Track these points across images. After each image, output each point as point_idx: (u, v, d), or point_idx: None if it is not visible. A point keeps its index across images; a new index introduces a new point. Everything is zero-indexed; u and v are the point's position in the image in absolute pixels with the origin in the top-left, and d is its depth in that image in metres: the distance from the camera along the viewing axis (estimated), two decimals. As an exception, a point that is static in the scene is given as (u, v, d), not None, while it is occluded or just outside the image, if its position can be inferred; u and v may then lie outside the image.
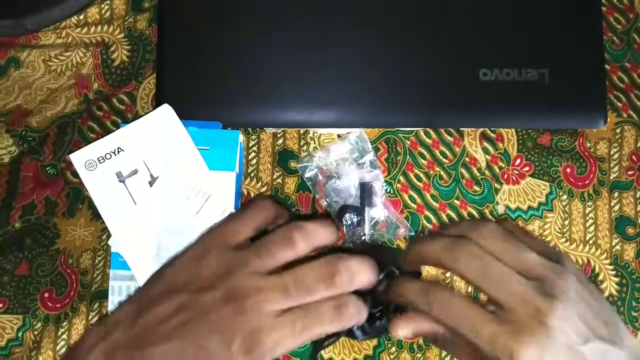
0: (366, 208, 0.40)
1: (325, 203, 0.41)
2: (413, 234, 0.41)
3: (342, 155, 0.41)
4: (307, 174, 0.41)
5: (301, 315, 0.28)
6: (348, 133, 0.41)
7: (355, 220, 0.40)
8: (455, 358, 0.31)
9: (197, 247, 0.31)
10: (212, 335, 0.27)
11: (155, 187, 0.38)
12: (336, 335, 0.34)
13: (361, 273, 0.29)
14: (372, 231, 0.40)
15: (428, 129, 0.42)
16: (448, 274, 0.41)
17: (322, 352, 0.40)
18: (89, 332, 0.30)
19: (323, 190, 0.41)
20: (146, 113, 0.39)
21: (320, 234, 0.30)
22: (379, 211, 0.41)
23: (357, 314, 0.29)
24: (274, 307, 0.27)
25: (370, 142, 0.41)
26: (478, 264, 0.28)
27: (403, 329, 0.31)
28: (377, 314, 0.34)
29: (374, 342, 0.40)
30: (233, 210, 0.38)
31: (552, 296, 0.27)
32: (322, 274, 0.28)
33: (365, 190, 0.40)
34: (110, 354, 0.28)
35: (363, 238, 0.40)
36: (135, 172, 0.38)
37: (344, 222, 0.40)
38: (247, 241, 0.32)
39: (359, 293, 0.30)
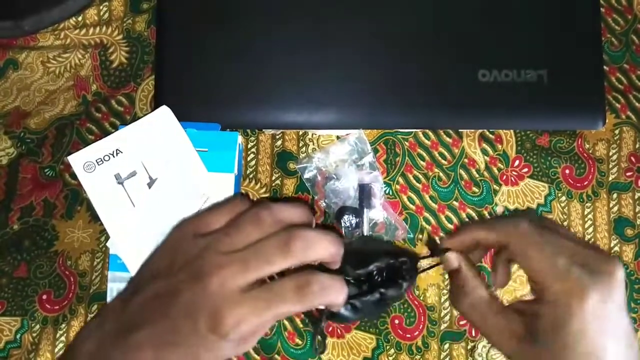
0: (365, 209, 0.40)
1: (324, 204, 0.41)
2: (412, 235, 0.41)
3: (342, 157, 0.41)
4: (306, 175, 0.41)
5: (264, 292, 0.28)
6: (347, 134, 0.41)
7: (353, 221, 0.40)
8: (484, 331, 0.32)
9: (174, 234, 0.32)
10: (182, 315, 0.28)
11: (153, 189, 0.38)
12: (323, 318, 0.33)
13: (319, 243, 0.29)
14: (370, 232, 0.40)
15: (427, 130, 0.42)
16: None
17: (322, 354, 0.40)
18: (86, 324, 0.31)
19: (322, 192, 0.41)
20: (145, 115, 0.39)
21: (288, 211, 0.30)
22: (377, 213, 0.41)
23: (321, 292, 0.28)
24: (237, 282, 0.28)
25: (369, 143, 0.41)
26: (549, 250, 0.30)
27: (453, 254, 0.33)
28: (366, 289, 0.34)
29: (373, 343, 0.40)
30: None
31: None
32: (279, 242, 0.28)
33: (364, 191, 0.40)
34: (101, 343, 0.29)
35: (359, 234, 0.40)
36: (133, 173, 0.38)
37: (343, 224, 0.40)
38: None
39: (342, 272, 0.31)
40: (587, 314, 0.28)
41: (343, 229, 0.40)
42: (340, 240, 0.30)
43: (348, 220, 0.40)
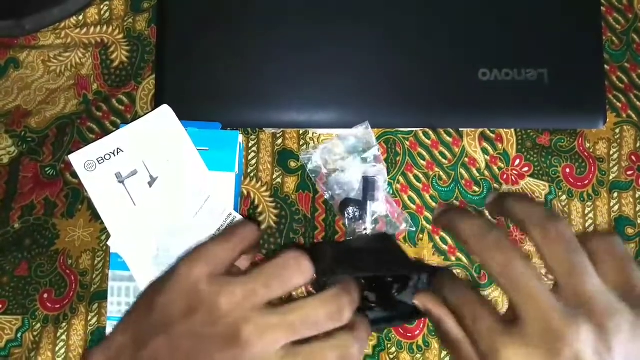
0: (368, 202, 0.40)
1: (327, 195, 0.41)
2: (414, 229, 0.41)
3: (347, 149, 0.41)
4: (310, 166, 0.41)
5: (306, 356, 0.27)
6: (346, 135, 0.41)
7: (357, 214, 0.40)
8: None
9: (184, 273, 0.29)
10: None
11: (154, 187, 0.38)
12: None
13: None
14: (373, 225, 0.40)
15: (427, 130, 0.42)
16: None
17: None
18: (92, 355, 0.29)
19: (325, 183, 0.41)
20: (145, 114, 0.39)
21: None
22: (381, 206, 0.41)
23: (360, 351, 0.28)
24: (280, 344, 0.26)
25: (370, 142, 0.41)
26: (502, 258, 0.25)
27: (423, 300, 0.30)
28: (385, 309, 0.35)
29: (374, 341, 0.40)
30: (232, 211, 0.38)
31: (582, 325, 0.23)
32: (330, 309, 0.27)
33: (369, 184, 0.40)
34: None
35: (364, 232, 0.40)
36: (134, 172, 0.38)
37: (346, 216, 0.40)
38: (236, 267, 0.31)
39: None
40: None
41: (346, 220, 0.40)
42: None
43: (352, 212, 0.40)
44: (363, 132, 0.40)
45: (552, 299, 0.24)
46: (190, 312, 0.27)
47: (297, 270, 0.28)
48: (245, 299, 0.27)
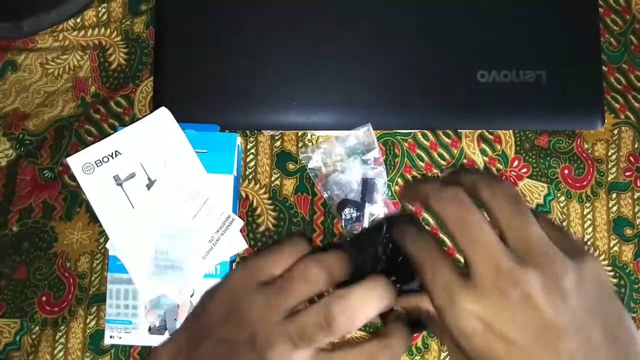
0: (366, 204, 0.40)
1: (326, 195, 0.41)
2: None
3: (347, 150, 0.41)
4: (311, 165, 0.41)
5: None
6: (347, 135, 0.41)
7: (354, 215, 0.40)
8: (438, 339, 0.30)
9: (236, 280, 0.32)
10: None
11: (152, 190, 0.38)
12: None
13: (362, 310, 0.27)
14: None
15: (426, 131, 0.42)
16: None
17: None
18: (158, 352, 0.32)
19: (324, 183, 0.41)
20: (144, 116, 0.39)
21: (334, 262, 0.30)
22: (378, 208, 0.41)
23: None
24: (297, 352, 0.28)
25: (368, 144, 0.41)
26: (458, 209, 0.26)
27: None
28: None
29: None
30: (231, 214, 0.38)
31: (530, 268, 0.24)
32: (319, 320, 0.28)
33: (368, 186, 0.40)
34: None
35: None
36: (132, 175, 0.38)
37: (343, 216, 0.40)
38: (272, 279, 0.32)
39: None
40: (469, 332, 0.24)
41: (343, 221, 0.40)
42: (391, 290, 0.28)
43: (349, 213, 0.40)
44: (365, 134, 0.40)
45: (501, 247, 0.25)
46: (228, 319, 0.30)
47: (305, 281, 0.29)
48: (266, 308, 0.29)
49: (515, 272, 0.24)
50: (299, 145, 0.42)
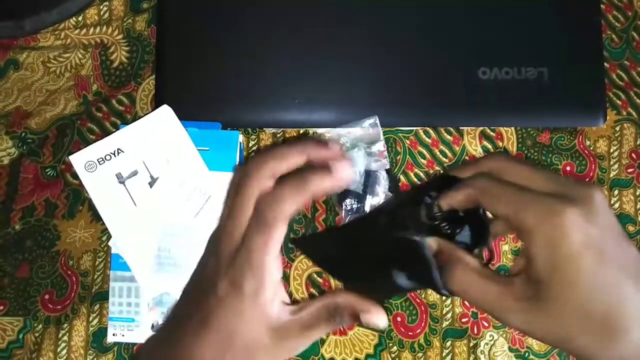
0: (368, 196, 0.40)
1: None
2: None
3: (353, 140, 0.41)
4: None
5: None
6: (349, 132, 0.41)
7: (355, 206, 0.40)
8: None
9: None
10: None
11: (155, 188, 0.38)
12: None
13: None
14: None
15: (427, 128, 0.42)
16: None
17: (324, 351, 0.40)
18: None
19: None
20: (146, 114, 0.39)
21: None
22: (380, 201, 0.41)
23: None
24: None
25: (370, 141, 0.41)
26: (514, 197, 0.27)
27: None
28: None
29: (375, 340, 0.40)
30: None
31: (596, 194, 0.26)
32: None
33: (370, 178, 0.40)
34: None
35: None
36: (135, 173, 0.38)
37: (344, 207, 0.40)
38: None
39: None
40: (573, 239, 0.24)
41: (343, 212, 0.40)
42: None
43: (350, 204, 0.40)
44: (371, 125, 0.40)
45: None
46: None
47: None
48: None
49: (590, 185, 0.26)
50: (301, 142, 0.42)
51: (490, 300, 0.27)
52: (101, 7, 0.43)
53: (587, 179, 0.42)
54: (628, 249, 0.25)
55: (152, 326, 0.38)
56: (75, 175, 0.40)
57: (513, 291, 0.26)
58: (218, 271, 0.29)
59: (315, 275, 0.41)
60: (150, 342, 0.32)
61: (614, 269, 0.24)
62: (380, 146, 0.40)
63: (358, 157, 0.40)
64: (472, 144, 0.42)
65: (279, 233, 0.28)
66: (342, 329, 0.40)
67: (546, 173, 0.28)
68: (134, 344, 0.39)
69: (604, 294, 0.24)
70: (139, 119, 0.39)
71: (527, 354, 0.40)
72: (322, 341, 0.40)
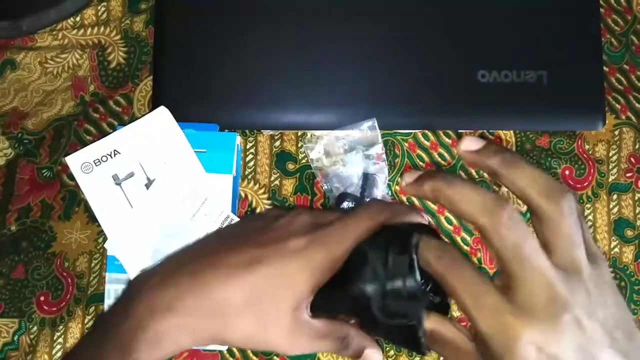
0: (365, 199, 0.40)
1: (325, 187, 0.41)
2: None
3: (351, 143, 0.41)
4: (312, 155, 0.41)
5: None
6: (347, 135, 0.41)
7: (352, 209, 0.40)
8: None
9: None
10: None
11: (151, 189, 0.38)
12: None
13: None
14: None
15: (426, 131, 0.42)
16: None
17: (321, 355, 0.40)
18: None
19: (326, 175, 0.41)
20: (143, 115, 0.39)
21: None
22: None
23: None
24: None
25: (368, 144, 0.41)
26: (517, 235, 0.25)
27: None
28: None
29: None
30: (230, 214, 0.38)
31: (576, 291, 0.24)
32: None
33: (368, 181, 0.40)
34: None
35: None
36: (131, 174, 0.38)
37: (342, 210, 0.40)
38: None
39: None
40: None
41: None
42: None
43: (347, 207, 0.40)
44: (369, 128, 0.39)
45: (555, 271, 0.24)
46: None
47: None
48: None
49: (567, 296, 0.24)
50: (299, 145, 0.42)
51: None
52: (99, 7, 0.43)
53: (585, 183, 0.42)
54: (602, 353, 0.24)
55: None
56: (71, 177, 0.40)
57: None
58: (301, 228, 0.32)
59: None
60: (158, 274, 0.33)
61: None
62: (378, 149, 0.40)
63: (356, 159, 0.40)
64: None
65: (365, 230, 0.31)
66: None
67: (478, 195, 0.26)
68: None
69: None
70: (136, 120, 0.38)
71: None
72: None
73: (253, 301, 0.30)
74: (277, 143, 0.42)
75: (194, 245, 0.36)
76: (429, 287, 0.29)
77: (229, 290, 0.31)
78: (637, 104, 0.43)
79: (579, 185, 0.42)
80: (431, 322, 0.28)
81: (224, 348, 0.38)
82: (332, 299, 0.32)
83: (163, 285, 0.31)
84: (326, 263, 0.31)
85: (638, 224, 0.42)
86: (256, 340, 0.31)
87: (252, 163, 0.42)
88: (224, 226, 0.38)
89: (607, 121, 0.41)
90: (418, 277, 0.28)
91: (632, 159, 0.42)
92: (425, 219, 0.34)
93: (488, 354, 0.25)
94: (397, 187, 0.42)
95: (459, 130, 0.42)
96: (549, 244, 0.25)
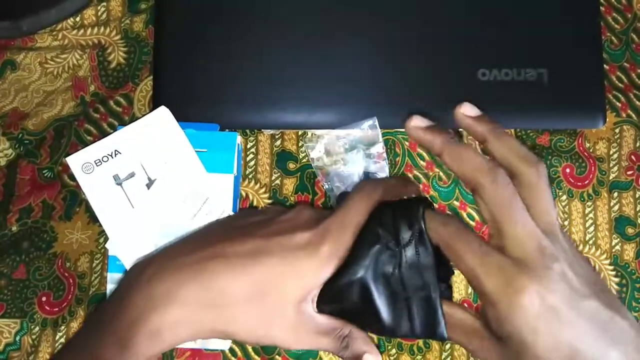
0: None
1: (326, 186, 0.41)
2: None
3: (351, 142, 0.40)
4: (313, 154, 0.41)
5: None
6: (347, 134, 0.41)
7: None
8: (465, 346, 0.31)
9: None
10: None
11: (152, 189, 0.38)
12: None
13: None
14: None
15: (427, 130, 0.42)
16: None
17: (322, 354, 0.40)
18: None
19: (326, 174, 0.41)
20: (143, 115, 0.39)
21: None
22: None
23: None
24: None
25: (369, 143, 0.41)
26: (508, 194, 0.28)
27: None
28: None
29: (374, 343, 0.40)
30: (231, 213, 0.38)
31: (556, 246, 0.28)
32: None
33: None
34: None
35: None
36: (132, 174, 0.38)
37: None
38: None
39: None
40: (531, 311, 0.26)
41: None
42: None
43: None
44: (370, 127, 0.39)
45: (539, 230, 0.28)
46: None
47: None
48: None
49: (552, 250, 0.27)
50: (300, 144, 0.42)
51: (462, 340, 0.30)
52: (99, 7, 0.43)
53: (586, 181, 0.42)
54: (586, 302, 0.26)
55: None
56: (72, 177, 0.40)
57: (477, 330, 0.29)
58: (305, 223, 0.32)
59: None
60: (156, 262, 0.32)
61: (570, 327, 0.26)
62: (379, 148, 0.40)
63: (357, 158, 0.40)
64: (472, 145, 0.42)
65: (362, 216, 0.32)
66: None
67: (479, 157, 0.30)
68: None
69: (561, 350, 0.26)
70: (136, 120, 0.38)
71: None
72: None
73: (257, 292, 0.30)
74: (278, 142, 0.42)
75: (193, 236, 0.36)
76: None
77: (232, 281, 0.30)
78: (637, 102, 0.43)
79: (580, 183, 0.42)
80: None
81: (226, 347, 0.38)
82: (339, 289, 0.32)
83: (162, 275, 0.31)
84: (333, 253, 0.31)
85: (639, 222, 0.42)
86: (258, 333, 0.31)
87: (252, 162, 0.42)
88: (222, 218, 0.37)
89: (607, 119, 0.41)
90: (429, 245, 0.30)
91: (632, 157, 0.42)
92: (420, 188, 0.35)
93: (494, 318, 0.27)
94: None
95: (460, 129, 0.42)
96: (528, 207, 0.29)
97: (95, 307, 0.39)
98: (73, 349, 0.32)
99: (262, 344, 0.31)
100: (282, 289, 0.30)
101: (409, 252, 0.30)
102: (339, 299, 0.32)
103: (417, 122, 0.33)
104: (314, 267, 0.31)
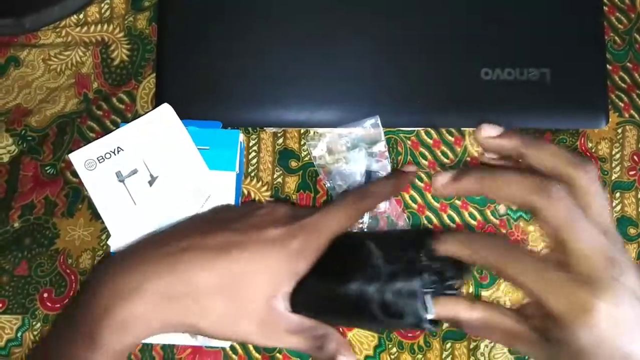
0: None
1: (328, 184, 0.41)
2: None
3: (354, 141, 0.40)
4: (315, 153, 0.41)
5: None
6: (350, 132, 0.41)
7: None
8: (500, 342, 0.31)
9: None
10: None
11: (155, 187, 0.38)
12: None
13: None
14: (370, 220, 0.40)
15: (429, 129, 0.42)
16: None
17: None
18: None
19: (328, 172, 0.41)
20: (146, 112, 0.39)
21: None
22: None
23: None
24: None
25: (372, 141, 0.41)
26: (569, 209, 0.27)
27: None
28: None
29: (375, 342, 0.40)
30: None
31: (621, 251, 0.27)
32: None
33: (371, 179, 0.40)
34: None
35: (360, 226, 0.40)
36: (134, 171, 0.38)
37: None
38: None
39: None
40: (601, 327, 0.26)
41: None
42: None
43: None
44: (372, 125, 0.39)
45: (600, 233, 0.27)
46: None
47: None
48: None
49: (619, 258, 0.26)
50: (302, 142, 0.42)
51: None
52: (102, 4, 0.43)
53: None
54: None
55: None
56: (75, 174, 0.40)
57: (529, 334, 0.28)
58: (280, 219, 0.32)
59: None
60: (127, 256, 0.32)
61: (636, 338, 0.26)
62: (381, 146, 0.40)
63: (359, 157, 0.40)
64: (474, 144, 0.42)
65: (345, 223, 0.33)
66: (341, 330, 0.40)
67: (525, 178, 0.29)
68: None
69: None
70: (139, 117, 0.39)
71: (527, 357, 0.40)
72: (322, 342, 0.40)
73: (227, 285, 0.30)
74: (280, 140, 0.42)
75: (166, 230, 0.35)
76: (441, 269, 0.31)
77: (203, 272, 0.30)
78: (640, 102, 0.43)
79: (582, 183, 0.42)
80: (478, 311, 0.30)
81: (227, 345, 0.38)
82: (320, 297, 0.32)
83: (130, 268, 0.30)
84: (305, 252, 0.31)
85: (641, 222, 0.42)
86: (227, 328, 0.30)
87: (254, 160, 0.42)
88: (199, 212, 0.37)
89: (610, 119, 0.41)
90: (419, 278, 0.30)
91: (635, 157, 0.42)
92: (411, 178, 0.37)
93: (554, 328, 0.27)
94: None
95: (462, 128, 0.42)
96: (583, 210, 0.28)
97: (69, 300, 0.39)
98: (45, 344, 0.32)
99: (230, 339, 0.31)
100: (252, 283, 0.30)
101: (397, 282, 0.31)
102: (317, 306, 0.32)
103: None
104: (283, 263, 0.30)
